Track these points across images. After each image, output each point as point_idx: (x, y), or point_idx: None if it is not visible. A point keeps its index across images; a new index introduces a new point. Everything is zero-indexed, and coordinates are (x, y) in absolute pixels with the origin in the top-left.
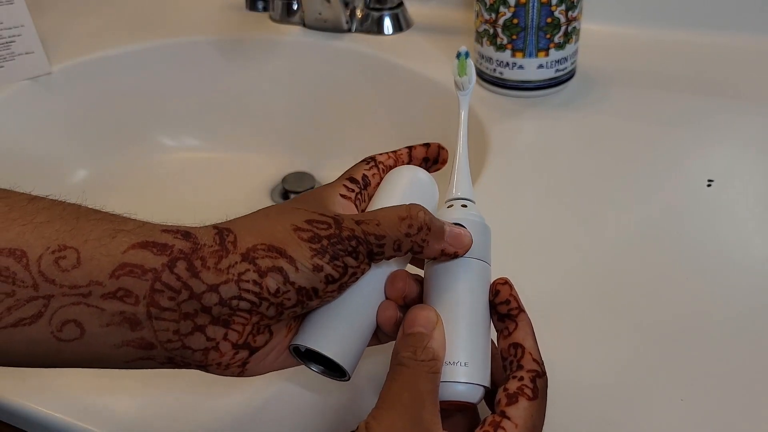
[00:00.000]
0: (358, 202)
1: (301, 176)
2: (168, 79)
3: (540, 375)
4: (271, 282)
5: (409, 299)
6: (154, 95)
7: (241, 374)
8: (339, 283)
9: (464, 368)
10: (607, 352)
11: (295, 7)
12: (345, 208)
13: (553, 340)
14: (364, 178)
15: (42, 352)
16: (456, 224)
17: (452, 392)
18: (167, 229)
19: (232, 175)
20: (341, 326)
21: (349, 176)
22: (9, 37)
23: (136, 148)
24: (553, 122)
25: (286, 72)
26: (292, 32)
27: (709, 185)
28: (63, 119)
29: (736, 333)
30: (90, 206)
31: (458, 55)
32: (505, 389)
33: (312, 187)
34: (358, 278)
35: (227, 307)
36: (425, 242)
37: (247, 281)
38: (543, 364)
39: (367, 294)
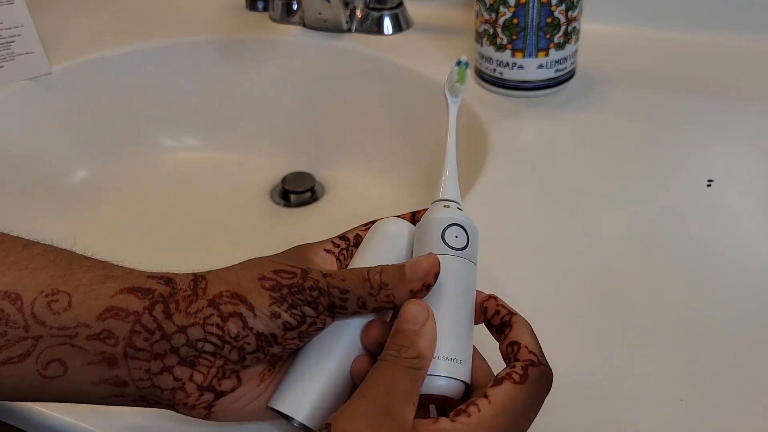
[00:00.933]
0: (342, 257)
1: (301, 176)
2: (168, 79)
3: (534, 364)
4: (232, 326)
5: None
6: (154, 95)
7: (208, 417)
8: (298, 331)
9: (444, 362)
10: (607, 352)
11: (295, 7)
12: (326, 262)
13: (552, 339)
14: (356, 237)
15: (26, 389)
16: (455, 224)
17: (432, 386)
18: (152, 275)
19: (232, 175)
20: (316, 385)
21: (341, 234)
22: (9, 37)
23: (136, 148)
24: (553, 122)
25: (286, 72)
26: (292, 32)
27: (709, 185)
28: (63, 119)
29: (736, 333)
30: (80, 253)
31: (458, 63)
32: (496, 376)
33: (312, 187)
34: (319, 328)
35: (193, 349)
36: (390, 296)
37: (211, 324)
38: (543, 356)
39: (345, 346)
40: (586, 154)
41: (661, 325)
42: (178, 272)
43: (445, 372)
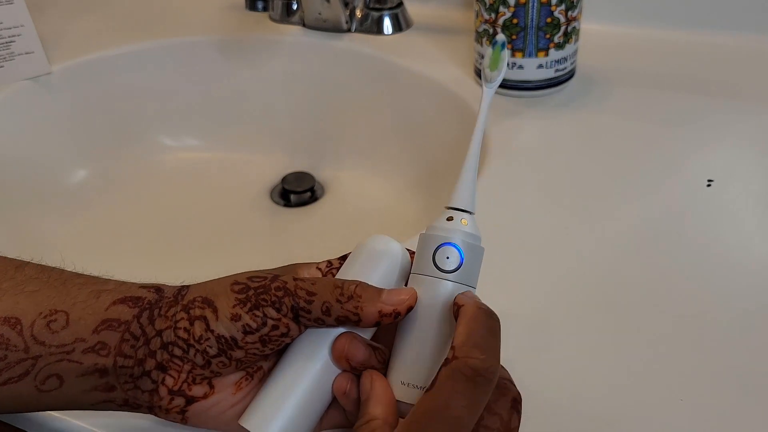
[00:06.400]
0: (331, 276)
1: (301, 176)
2: (168, 79)
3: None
4: (197, 329)
5: (355, 362)
6: (154, 95)
7: (183, 422)
8: (259, 334)
9: (403, 388)
10: (607, 352)
11: (294, 7)
12: (312, 275)
13: (553, 340)
14: None
15: (23, 403)
16: (448, 244)
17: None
18: (144, 285)
19: (232, 175)
20: (287, 404)
21: (342, 256)
22: (9, 37)
23: (136, 148)
24: (552, 122)
25: (286, 72)
26: (292, 32)
27: (709, 185)
28: (63, 119)
29: (736, 333)
30: (71, 270)
31: (493, 44)
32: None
33: (312, 187)
34: (283, 334)
35: (166, 352)
36: (359, 308)
37: (180, 328)
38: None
39: (321, 364)
40: (586, 154)
41: (660, 325)
42: (168, 283)
43: (404, 398)
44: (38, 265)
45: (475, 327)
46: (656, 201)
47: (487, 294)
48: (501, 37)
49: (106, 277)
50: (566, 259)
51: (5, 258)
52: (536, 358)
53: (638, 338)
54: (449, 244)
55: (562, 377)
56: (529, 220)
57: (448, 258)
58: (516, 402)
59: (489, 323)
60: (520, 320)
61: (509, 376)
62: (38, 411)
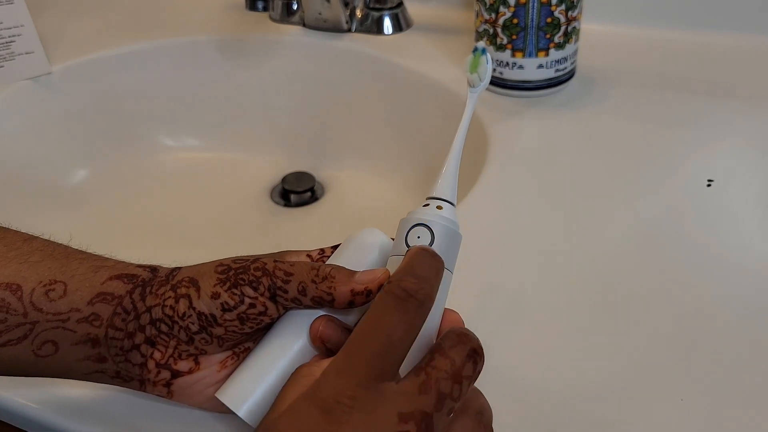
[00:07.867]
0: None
1: (301, 176)
2: (168, 79)
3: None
4: (181, 306)
5: (331, 344)
6: (154, 95)
7: (169, 396)
8: (237, 312)
9: None
10: (608, 352)
11: (295, 7)
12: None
13: (554, 339)
14: None
15: (21, 366)
16: (420, 224)
17: None
18: (141, 265)
19: (232, 175)
20: (264, 381)
21: (334, 245)
22: (9, 37)
23: (136, 148)
24: (553, 122)
25: (286, 72)
26: (292, 32)
27: (709, 185)
28: (63, 119)
29: (736, 333)
30: (75, 247)
31: (474, 51)
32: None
33: (312, 187)
34: (260, 312)
35: (155, 328)
36: (332, 288)
37: (167, 306)
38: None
39: (301, 346)
40: (586, 154)
41: (661, 325)
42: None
43: None
44: (46, 240)
45: (416, 260)
46: (656, 201)
47: (487, 293)
48: (480, 44)
49: (107, 256)
50: (566, 258)
51: (16, 231)
52: (536, 358)
53: (639, 338)
54: (420, 224)
55: (563, 377)
56: (529, 219)
57: (419, 237)
58: (474, 353)
59: (431, 261)
60: (520, 319)
61: (478, 340)
62: (36, 376)
